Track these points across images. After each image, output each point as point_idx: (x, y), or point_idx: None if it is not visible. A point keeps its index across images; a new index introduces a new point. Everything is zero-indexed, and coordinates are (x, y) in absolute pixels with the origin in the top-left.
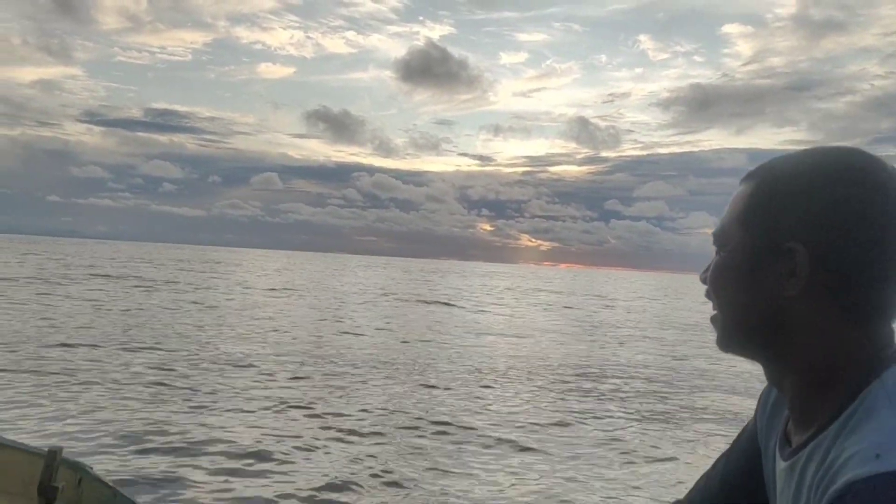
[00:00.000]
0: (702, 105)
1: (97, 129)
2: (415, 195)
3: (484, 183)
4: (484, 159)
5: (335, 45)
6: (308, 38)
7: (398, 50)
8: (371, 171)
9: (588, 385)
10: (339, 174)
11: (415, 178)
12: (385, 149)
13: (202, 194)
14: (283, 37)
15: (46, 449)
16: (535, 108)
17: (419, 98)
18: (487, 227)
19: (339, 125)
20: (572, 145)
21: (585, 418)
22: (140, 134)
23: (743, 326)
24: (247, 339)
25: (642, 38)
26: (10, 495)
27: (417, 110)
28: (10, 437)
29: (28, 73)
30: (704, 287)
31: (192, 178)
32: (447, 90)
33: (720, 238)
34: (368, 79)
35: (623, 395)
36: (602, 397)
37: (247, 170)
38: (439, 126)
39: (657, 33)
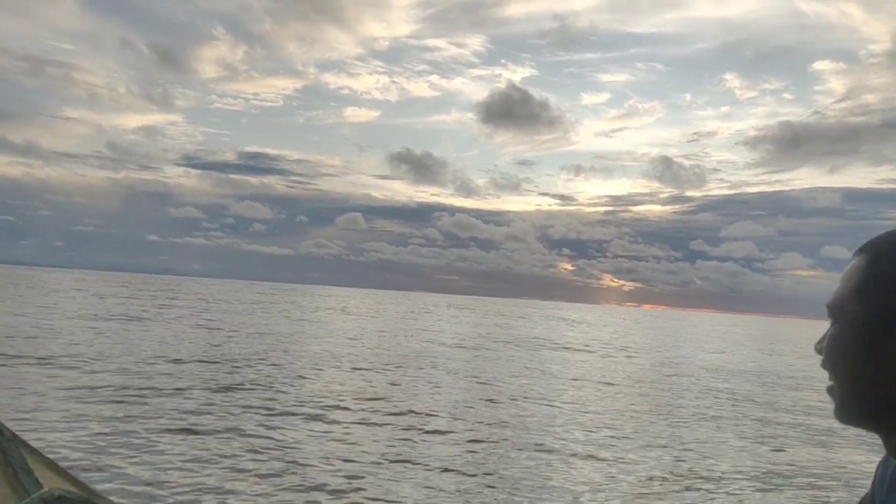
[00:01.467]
0: (792, 143)
1: (194, 171)
2: (495, 234)
3: (565, 222)
4: (565, 199)
5: (419, 88)
6: (393, 82)
7: (480, 92)
8: (452, 210)
9: None
10: (421, 214)
11: (495, 218)
12: (466, 189)
13: (289, 234)
14: (369, 82)
15: None
16: (618, 147)
17: (500, 139)
18: (568, 267)
19: (421, 166)
20: (655, 185)
21: None
22: (233, 176)
23: (860, 400)
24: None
25: (728, 76)
26: None
27: (498, 151)
28: None
29: (132, 120)
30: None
31: (281, 218)
32: (528, 131)
33: (835, 310)
34: (450, 121)
35: None
36: None
37: (332, 210)
38: (520, 166)
39: (744, 71)
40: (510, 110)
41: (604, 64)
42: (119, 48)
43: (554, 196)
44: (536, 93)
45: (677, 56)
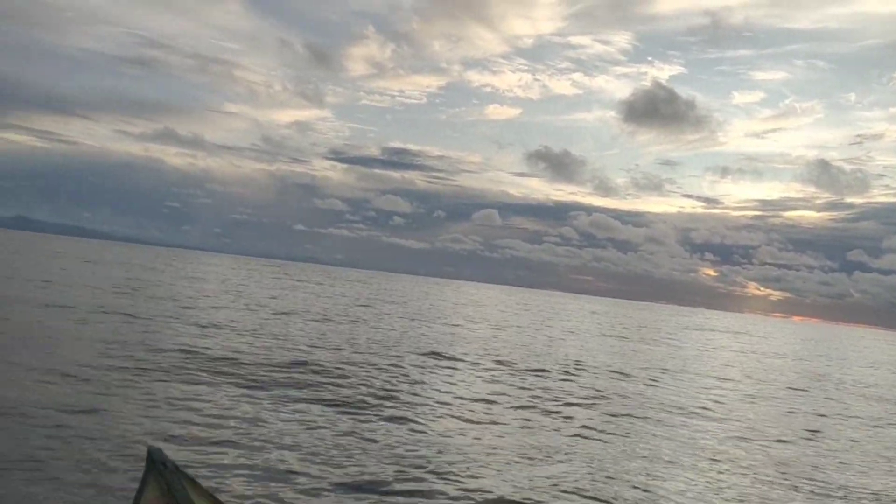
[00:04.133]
0: None
1: (340, 165)
2: (634, 236)
3: (709, 226)
4: (710, 201)
5: (561, 86)
6: (535, 80)
7: (623, 90)
8: (589, 210)
9: None
10: (557, 212)
11: (634, 219)
12: (604, 188)
13: (427, 228)
14: (511, 79)
15: None
16: (770, 149)
17: (642, 138)
18: (711, 273)
19: (559, 164)
20: (811, 189)
21: None
22: (376, 171)
23: None
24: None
25: None
26: None
27: (640, 150)
28: None
29: (286, 116)
30: None
31: (419, 212)
32: (672, 130)
33: None
34: (592, 119)
35: None
36: None
37: (469, 206)
38: (662, 167)
39: None
40: (654, 109)
41: (758, 61)
42: (277, 47)
43: (698, 198)
44: (683, 91)
45: (841, 53)
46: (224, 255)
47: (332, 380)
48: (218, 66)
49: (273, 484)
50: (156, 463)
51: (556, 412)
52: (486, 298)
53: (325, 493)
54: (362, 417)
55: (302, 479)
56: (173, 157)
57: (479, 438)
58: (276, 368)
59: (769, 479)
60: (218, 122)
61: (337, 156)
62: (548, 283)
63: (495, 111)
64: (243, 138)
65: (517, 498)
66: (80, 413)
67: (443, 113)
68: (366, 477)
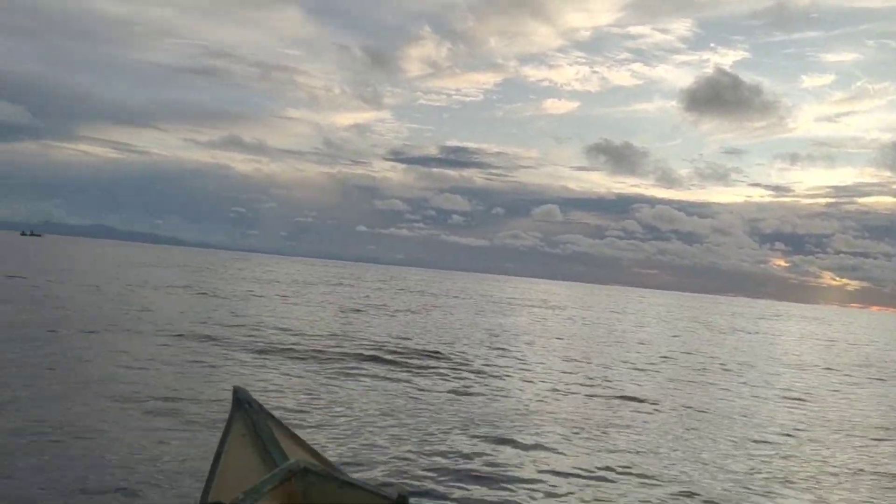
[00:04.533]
0: None
1: (399, 166)
2: (699, 227)
3: (778, 215)
4: (779, 190)
5: (620, 77)
6: (593, 72)
7: (685, 79)
8: (652, 202)
9: None
10: (619, 206)
11: (699, 210)
12: (667, 180)
13: (486, 225)
14: (569, 73)
15: (396, 494)
16: (842, 133)
17: (706, 127)
18: (782, 263)
19: (619, 157)
20: (886, 174)
21: None
22: (434, 170)
23: None
24: None
25: None
26: None
27: (703, 140)
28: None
29: (346, 119)
30: None
31: (479, 210)
32: (737, 118)
33: None
34: (652, 109)
35: None
36: None
37: (528, 202)
38: (727, 155)
39: None
40: (718, 96)
41: (828, 43)
42: (336, 52)
43: (766, 186)
44: (748, 77)
45: None
46: (290, 259)
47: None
48: (279, 72)
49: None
50: (241, 402)
51: (641, 399)
52: (553, 294)
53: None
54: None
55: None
56: (239, 164)
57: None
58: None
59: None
60: (281, 128)
61: (396, 156)
62: (611, 278)
63: (553, 105)
64: (305, 143)
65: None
66: None
67: (500, 109)
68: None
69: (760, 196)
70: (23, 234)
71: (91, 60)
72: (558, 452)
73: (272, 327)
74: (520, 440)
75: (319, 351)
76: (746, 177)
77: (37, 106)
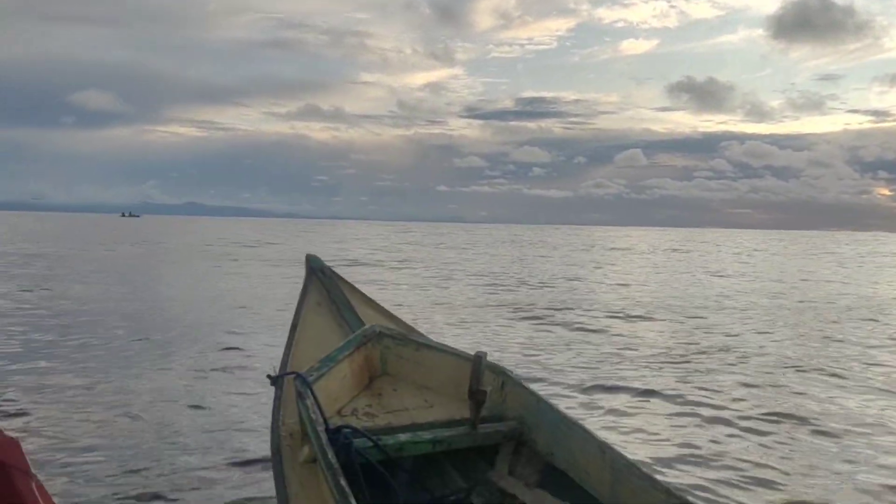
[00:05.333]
0: None
1: (475, 122)
2: (794, 161)
3: (880, 141)
4: (879, 115)
5: (700, 10)
6: (671, 7)
7: (770, 5)
8: (742, 138)
9: None
10: (706, 145)
11: (793, 143)
12: (757, 113)
13: (568, 176)
14: (645, 11)
15: (473, 353)
16: None
17: (796, 55)
18: (886, 192)
19: (704, 94)
20: None
21: None
22: (512, 123)
23: None
24: None
25: None
26: (444, 396)
27: (795, 68)
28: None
29: (419, 79)
30: None
31: (559, 160)
32: (830, 42)
33: None
34: (737, 41)
35: None
36: None
37: (610, 148)
38: (822, 82)
39: None
40: (807, 20)
41: None
42: (403, 11)
43: (865, 112)
44: None
45: None
46: (374, 223)
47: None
48: (351, 37)
49: None
50: (315, 270)
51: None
52: (644, 242)
53: None
54: None
55: None
56: (318, 132)
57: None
58: None
59: None
60: (356, 93)
61: (471, 112)
62: (703, 221)
63: (630, 46)
64: (380, 106)
65: None
66: None
67: (575, 55)
68: None
69: (859, 123)
70: (122, 215)
71: (172, 43)
72: None
73: None
74: None
75: None
76: (843, 103)
77: (126, 92)
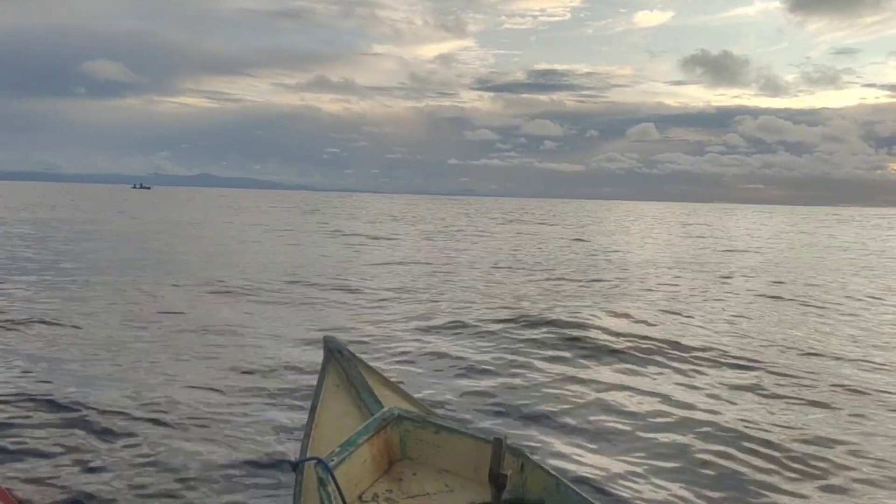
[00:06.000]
0: None
1: (487, 94)
2: (808, 136)
3: None
4: None
5: None
6: None
7: None
8: (755, 113)
9: None
10: (720, 119)
11: (808, 118)
12: (772, 87)
13: (580, 149)
14: None
15: (492, 437)
16: None
17: (812, 28)
18: None
19: (718, 67)
20: None
21: None
22: (523, 95)
23: None
24: None
25: None
26: (464, 479)
27: (811, 41)
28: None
29: (430, 50)
30: None
31: (571, 133)
32: (847, 14)
33: None
34: (753, 13)
35: None
36: None
37: (622, 122)
38: (838, 56)
39: None
40: None
41: None
42: None
43: (882, 87)
44: None
45: None
46: (386, 195)
47: None
48: (361, 7)
49: None
50: (332, 352)
51: None
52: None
53: None
54: None
55: None
56: (328, 104)
57: None
58: None
59: None
60: (366, 65)
61: (483, 85)
62: (714, 196)
63: (645, 18)
64: (391, 78)
65: None
66: None
67: (588, 27)
68: None
69: (876, 97)
70: (133, 187)
71: (183, 13)
72: None
73: None
74: None
75: None
76: (860, 77)
77: (136, 62)
